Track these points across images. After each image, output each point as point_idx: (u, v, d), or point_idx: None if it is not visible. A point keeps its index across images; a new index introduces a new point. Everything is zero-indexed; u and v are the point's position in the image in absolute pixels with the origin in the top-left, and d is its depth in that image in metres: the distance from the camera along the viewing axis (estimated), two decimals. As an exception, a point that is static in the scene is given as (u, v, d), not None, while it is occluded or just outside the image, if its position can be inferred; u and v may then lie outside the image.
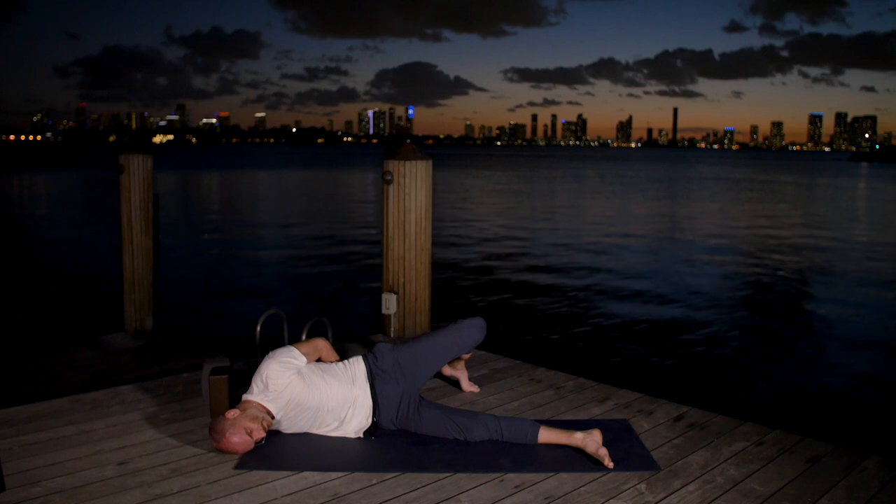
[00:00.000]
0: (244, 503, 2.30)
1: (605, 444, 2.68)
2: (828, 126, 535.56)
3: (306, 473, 2.51)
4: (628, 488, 2.44)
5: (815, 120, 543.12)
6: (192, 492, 2.36)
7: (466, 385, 3.45)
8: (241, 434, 2.61)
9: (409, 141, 4.72)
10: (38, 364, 4.66)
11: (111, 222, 7.16)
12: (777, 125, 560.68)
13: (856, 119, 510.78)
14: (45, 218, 21.39)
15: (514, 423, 2.81)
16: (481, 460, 2.63)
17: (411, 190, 4.30)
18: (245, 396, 2.75)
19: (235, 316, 8.63)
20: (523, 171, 62.49)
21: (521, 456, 2.67)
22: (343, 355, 3.11)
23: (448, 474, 2.53)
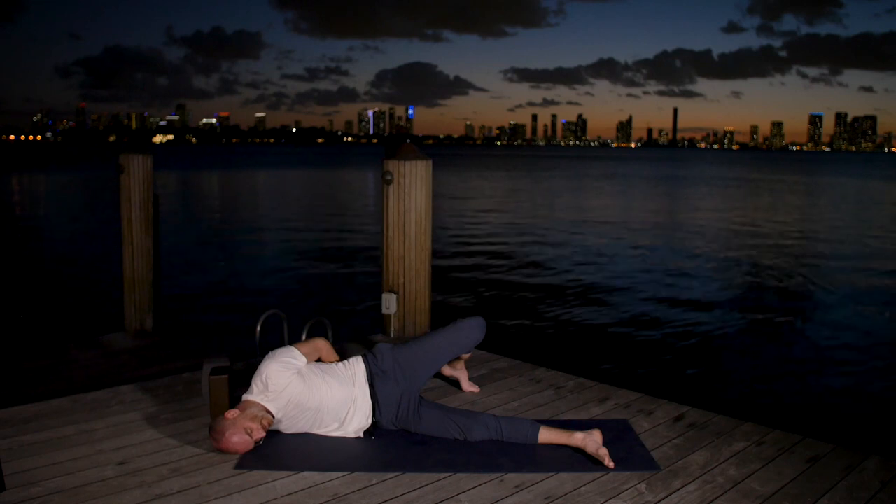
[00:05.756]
0: (244, 503, 2.30)
1: (605, 444, 2.68)
2: (828, 126, 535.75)
3: (306, 473, 2.51)
4: (628, 488, 2.44)
5: (816, 120, 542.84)
6: (192, 492, 2.36)
7: (466, 385, 3.45)
8: (240, 434, 2.61)
9: (409, 141, 4.72)
10: (39, 364, 4.66)
11: (111, 222, 7.16)
12: (777, 125, 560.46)
13: (856, 119, 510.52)
14: (45, 218, 21.39)
15: (514, 423, 2.81)
16: (481, 460, 2.63)
17: (411, 190, 4.30)
18: (245, 396, 2.75)
19: (235, 316, 8.62)
20: (523, 171, 62.48)
21: (521, 456, 2.67)
22: (343, 355, 3.11)
23: (448, 474, 2.53)
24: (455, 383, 3.51)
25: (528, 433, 2.76)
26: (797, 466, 2.62)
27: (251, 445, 2.64)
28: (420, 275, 4.39)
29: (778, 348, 7.78)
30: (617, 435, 2.87)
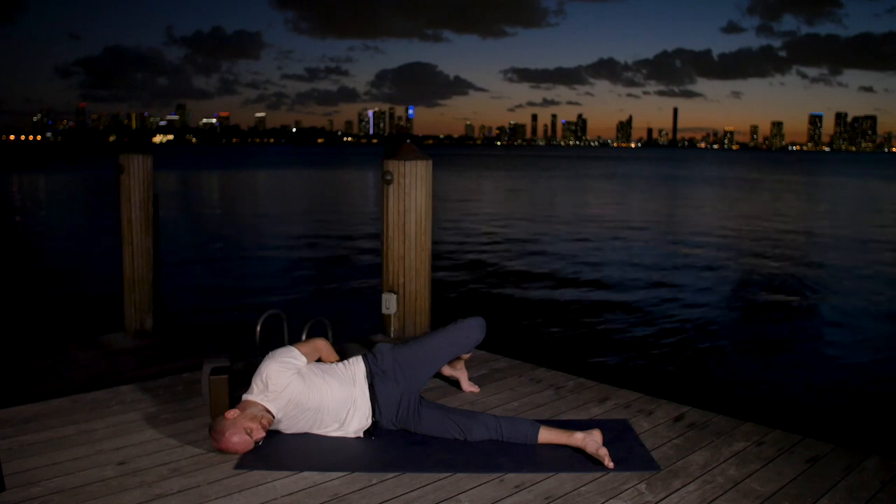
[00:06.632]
0: (244, 503, 2.30)
1: (605, 444, 2.68)
2: (828, 126, 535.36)
3: (306, 473, 2.51)
4: (628, 488, 2.44)
5: (816, 120, 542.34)
6: (192, 492, 2.36)
7: (466, 385, 3.45)
8: (240, 434, 2.61)
9: (409, 141, 4.72)
10: (39, 364, 4.66)
11: (111, 222, 7.15)
12: (777, 125, 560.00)
13: (856, 119, 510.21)
14: (45, 218, 21.38)
15: (514, 423, 2.81)
16: (481, 460, 2.63)
17: (411, 190, 4.30)
18: (245, 396, 2.75)
19: (235, 316, 8.62)
20: (523, 171, 62.46)
21: (521, 456, 2.67)
22: (343, 355, 3.11)
23: (448, 474, 2.53)
24: (455, 383, 3.51)
25: (528, 433, 2.76)
26: (797, 466, 2.62)
27: (251, 445, 2.64)
28: (420, 275, 4.39)
29: (778, 348, 7.77)
30: (617, 435, 2.87)
